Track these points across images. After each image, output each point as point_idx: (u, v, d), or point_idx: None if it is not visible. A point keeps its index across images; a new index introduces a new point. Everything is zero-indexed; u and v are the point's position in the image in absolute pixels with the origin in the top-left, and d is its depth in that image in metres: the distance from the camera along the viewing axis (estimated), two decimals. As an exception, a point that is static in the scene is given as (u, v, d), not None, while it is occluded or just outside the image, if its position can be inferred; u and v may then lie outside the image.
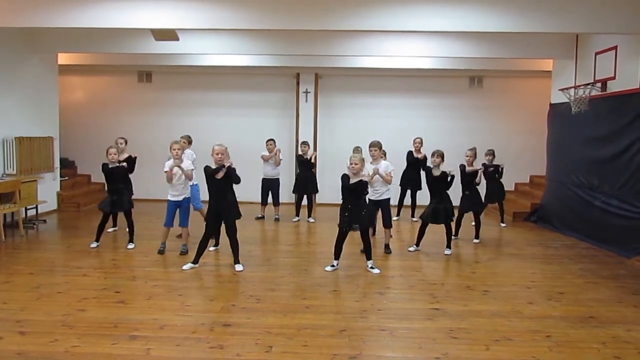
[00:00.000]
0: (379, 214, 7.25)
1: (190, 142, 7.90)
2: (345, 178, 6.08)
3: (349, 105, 11.98)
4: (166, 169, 6.73)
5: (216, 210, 6.13)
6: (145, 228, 8.28)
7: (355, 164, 6.06)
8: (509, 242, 8.20)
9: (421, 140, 9.49)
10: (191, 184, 7.24)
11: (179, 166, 6.69)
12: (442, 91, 11.86)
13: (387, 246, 7.27)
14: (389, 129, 11.11)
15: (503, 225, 9.46)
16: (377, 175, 6.76)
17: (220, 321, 4.57)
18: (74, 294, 5.23)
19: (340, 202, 6.26)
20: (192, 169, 6.87)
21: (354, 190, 6.03)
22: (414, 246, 7.36)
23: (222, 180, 6.07)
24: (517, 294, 5.48)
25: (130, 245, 7.23)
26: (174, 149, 6.68)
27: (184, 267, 6.20)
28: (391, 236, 7.51)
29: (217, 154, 6.07)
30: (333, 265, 6.28)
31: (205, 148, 7.34)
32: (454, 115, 11.82)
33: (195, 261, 6.26)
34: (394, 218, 9.77)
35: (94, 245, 7.20)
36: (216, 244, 7.16)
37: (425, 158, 9.39)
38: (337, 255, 6.29)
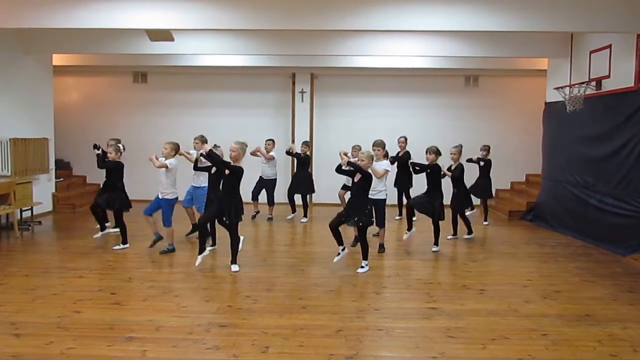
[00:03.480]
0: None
1: (204, 142, 7.39)
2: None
3: (344, 105, 11.99)
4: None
5: (219, 201, 6.11)
6: (141, 229, 8.25)
7: (362, 160, 6.06)
8: (505, 241, 8.21)
9: (405, 139, 9.45)
10: (200, 185, 7.47)
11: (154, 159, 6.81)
12: (437, 90, 11.88)
13: (381, 245, 7.27)
14: (384, 129, 11.06)
15: (485, 223, 9.37)
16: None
17: (216, 322, 4.55)
18: (70, 295, 5.20)
19: (337, 202, 6.26)
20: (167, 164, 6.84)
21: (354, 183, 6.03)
22: (407, 232, 7.45)
23: (227, 177, 6.06)
24: (514, 293, 5.49)
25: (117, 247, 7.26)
26: (164, 148, 6.83)
27: (197, 263, 6.16)
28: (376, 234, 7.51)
29: (230, 151, 6.11)
30: (339, 253, 6.24)
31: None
32: (449, 115, 11.83)
33: (201, 249, 6.18)
34: (396, 217, 9.82)
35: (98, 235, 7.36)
36: (213, 244, 7.15)
37: (406, 154, 9.34)
38: (338, 242, 6.24)
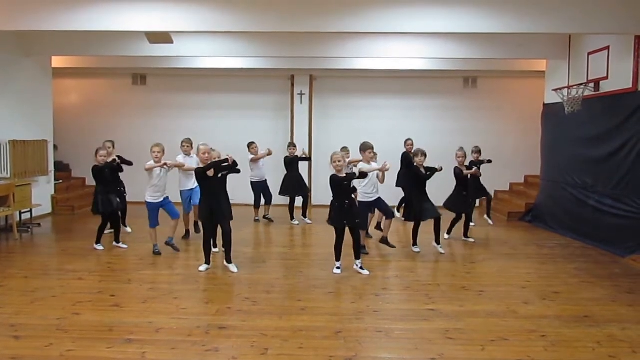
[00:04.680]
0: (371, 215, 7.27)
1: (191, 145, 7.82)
2: (336, 177, 6.05)
3: (343, 106, 12.00)
4: (148, 166, 6.83)
5: (210, 209, 6.13)
6: (140, 231, 8.26)
7: (340, 161, 6.11)
8: (504, 242, 8.22)
9: (412, 141, 9.50)
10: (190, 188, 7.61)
11: (166, 164, 6.86)
12: (436, 92, 11.89)
13: (385, 239, 7.21)
14: (383, 130, 11.12)
15: (472, 224, 9.21)
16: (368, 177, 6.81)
17: (215, 324, 4.56)
18: (69, 297, 5.21)
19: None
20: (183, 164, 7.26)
21: (347, 186, 6.05)
22: (417, 247, 7.37)
23: (215, 179, 6.09)
24: (512, 294, 5.49)
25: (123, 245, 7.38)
26: (154, 152, 6.80)
27: (200, 269, 6.24)
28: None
29: (204, 154, 6.22)
30: (339, 267, 6.23)
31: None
32: (448, 116, 11.85)
33: (207, 262, 6.30)
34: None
35: (100, 248, 7.24)
36: (214, 246, 7.16)
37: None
38: (338, 257, 6.24)
